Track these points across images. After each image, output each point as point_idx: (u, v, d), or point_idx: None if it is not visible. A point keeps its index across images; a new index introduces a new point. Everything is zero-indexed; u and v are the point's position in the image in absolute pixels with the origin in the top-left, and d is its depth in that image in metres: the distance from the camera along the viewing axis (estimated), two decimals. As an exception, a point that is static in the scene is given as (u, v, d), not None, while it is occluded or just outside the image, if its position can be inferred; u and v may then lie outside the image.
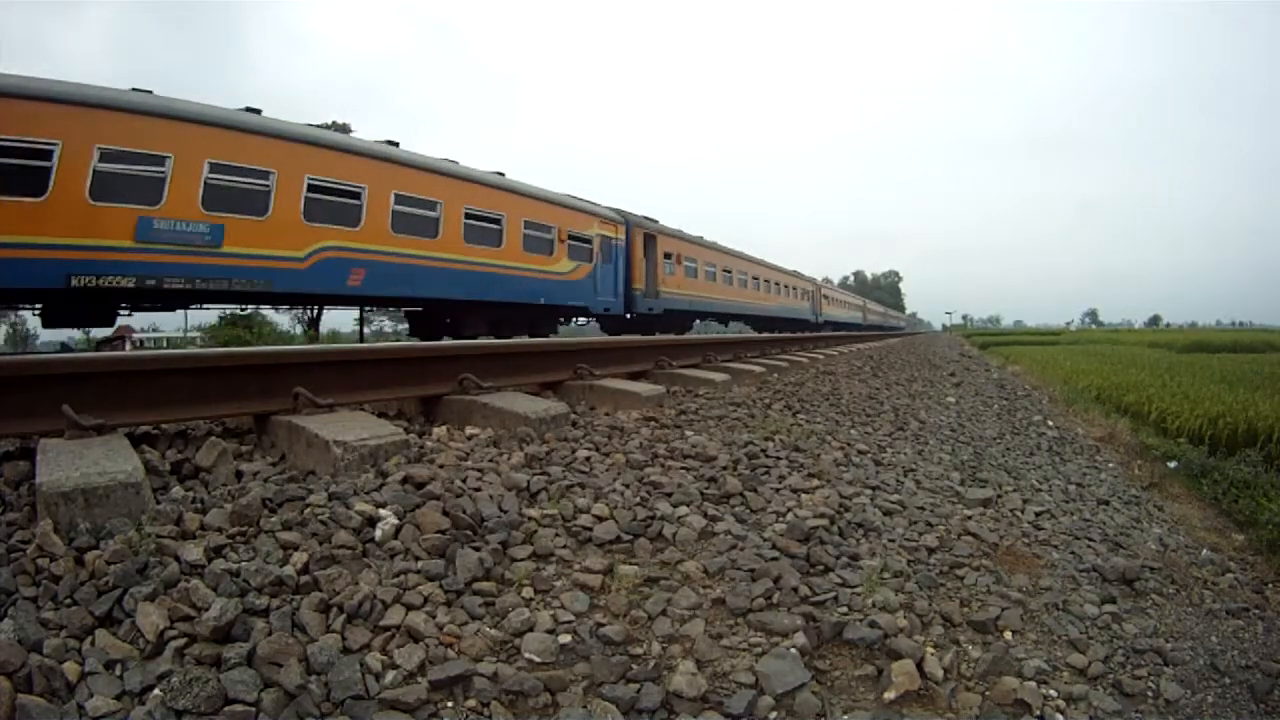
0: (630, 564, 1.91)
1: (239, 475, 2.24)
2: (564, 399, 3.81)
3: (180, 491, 2.03)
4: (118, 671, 1.33)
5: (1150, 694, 1.71)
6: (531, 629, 1.56)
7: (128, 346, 8.94)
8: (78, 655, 1.36)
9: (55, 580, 1.54)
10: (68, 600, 1.49)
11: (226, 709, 1.25)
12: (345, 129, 14.65)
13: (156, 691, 1.28)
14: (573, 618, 1.62)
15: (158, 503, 1.90)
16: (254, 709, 1.26)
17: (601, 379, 4.20)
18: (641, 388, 4.04)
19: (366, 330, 12.77)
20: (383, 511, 1.90)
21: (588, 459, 2.64)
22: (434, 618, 1.54)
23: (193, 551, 1.64)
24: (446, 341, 6.14)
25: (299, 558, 1.65)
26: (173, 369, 2.48)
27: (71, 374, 2.30)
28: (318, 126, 10.67)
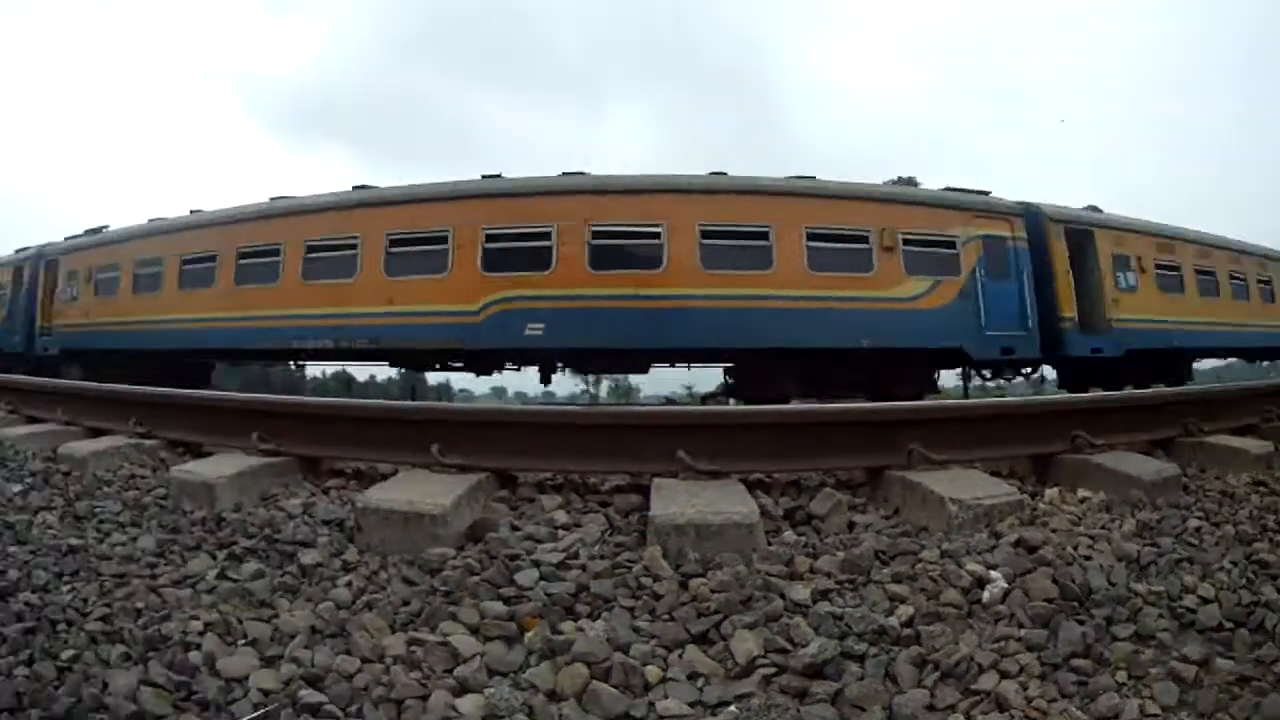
0: (1225, 657, 1.52)
1: (851, 525, 2.31)
2: (1172, 459, 3.15)
3: (793, 536, 2.15)
4: (698, 684, 1.46)
5: None
6: (1117, 717, 1.36)
7: (730, 401, 9.86)
8: (662, 663, 1.51)
9: (656, 598, 1.74)
10: (665, 616, 1.68)
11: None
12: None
13: (732, 708, 1.37)
14: (1159, 711, 1.38)
15: (769, 544, 2.04)
16: None
17: (1209, 435, 3.35)
18: (1250, 443, 3.18)
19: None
20: (993, 573, 1.84)
21: (1198, 529, 2.21)
22: (1025, 689, 1.41)
23: (800, 592, 1.74)
24: (1057, 395, 5.33)
25: (904, 610, 1.67)
26: (783, 423, 2.83)
27: (682, 424, 2.70)
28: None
